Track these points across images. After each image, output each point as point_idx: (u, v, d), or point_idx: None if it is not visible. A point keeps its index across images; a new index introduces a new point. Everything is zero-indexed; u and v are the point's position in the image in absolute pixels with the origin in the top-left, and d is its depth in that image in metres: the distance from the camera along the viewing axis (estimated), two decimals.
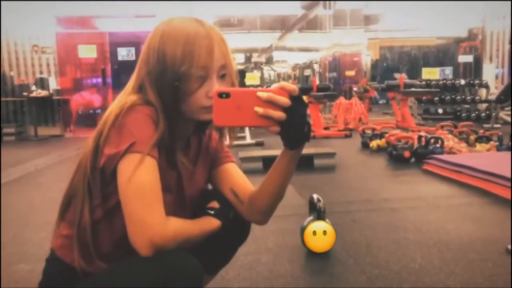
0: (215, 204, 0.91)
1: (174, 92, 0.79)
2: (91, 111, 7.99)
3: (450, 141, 4.14)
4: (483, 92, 8.22)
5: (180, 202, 0.89)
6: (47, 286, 0.90)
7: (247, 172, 1.01)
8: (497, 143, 4.06)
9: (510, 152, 3.57)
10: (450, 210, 2.39)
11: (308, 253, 1.75)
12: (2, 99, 7.09)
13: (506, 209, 2.33)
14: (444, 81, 8.37)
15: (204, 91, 0.80)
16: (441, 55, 11.72)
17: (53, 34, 7.34)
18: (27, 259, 1.78)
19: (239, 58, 11.83)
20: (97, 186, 0.81)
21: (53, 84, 7.35)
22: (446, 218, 2.23)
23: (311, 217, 1.80)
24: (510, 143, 3.95)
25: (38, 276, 0.92)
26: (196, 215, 0.88)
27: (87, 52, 7.72)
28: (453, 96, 8.09)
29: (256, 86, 6.94)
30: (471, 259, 1.67)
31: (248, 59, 11.75)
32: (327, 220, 1.76)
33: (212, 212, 0.89)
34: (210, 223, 0.87)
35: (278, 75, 14.07)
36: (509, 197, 2.47)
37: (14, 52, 7.24)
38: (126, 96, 0.82)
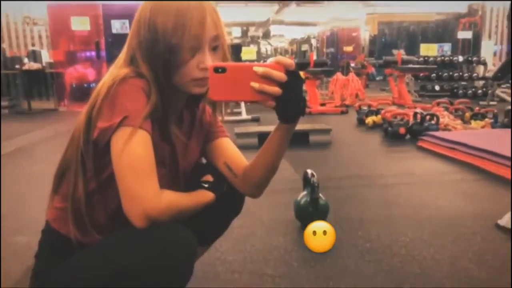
0: (209, 178, 0.92)
1: (166, 63, 0.78)
2: (85, 85, 7.88)
3: (446, 118, 4.15)
4: (480, 69, 8.17)
5: (174, 175, 0.90)
6: (43, 257, 0.91)
7: (243, 147, 1.01)
8: (492, 121, 4.08)
9: (504, 130, 3.59)
10: (442, 186, 2.42)
11: (301, 226, 1.78)
12: None
13: (497, 185, 2.36)
14: (442, 58, 8.30)
15: (195, 62, 0.79)
16: (440, 31, 11.56)
17: (44, 5, 7.15)
18: (23, 231, 1.80)
19: (236, 32, 11.61)
20: (90, 159, 0.81)
21: (46, 57, 7.22)
22: (439, 194, 2.26)
23: (304, 192, 1.82)
24: (505, 120, 3.96)
25: (35, 248, 0.93)
26: (190, 189, 0.89)
27: (80, 25, 7.54)
28: (450, 73, 8.04)
29: (253, 61, 6.86)
30: (461, 234, 1.71)
31: (244, 33, 11.54)
32: (320, 195, 1.78)
33: (206, 185, 0.90)
34: (204, 196, 0.88)
35: (275, 49, 13.87)
36: (502, 174, 2.50)
37: (6, 24, 7.08)
38: (118, 69, 0.81)
